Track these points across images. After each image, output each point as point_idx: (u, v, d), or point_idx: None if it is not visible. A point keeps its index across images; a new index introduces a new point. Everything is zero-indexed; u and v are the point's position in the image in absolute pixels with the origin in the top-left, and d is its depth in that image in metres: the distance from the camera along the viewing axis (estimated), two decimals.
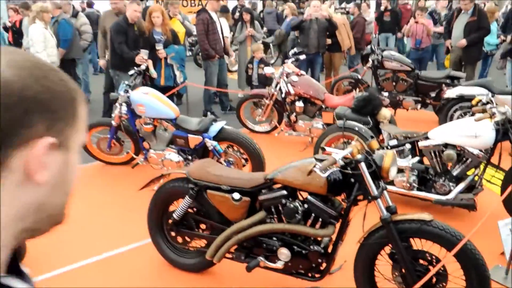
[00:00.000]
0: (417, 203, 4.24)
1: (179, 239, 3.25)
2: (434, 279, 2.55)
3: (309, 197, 2.69)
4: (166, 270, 3.33)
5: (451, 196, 3.87)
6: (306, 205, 2.71)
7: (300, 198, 2.81)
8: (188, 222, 3.21)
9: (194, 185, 3.08)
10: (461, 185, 3.89)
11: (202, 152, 4.56)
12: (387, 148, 4.24)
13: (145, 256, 3.47)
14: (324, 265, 2.75)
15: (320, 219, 2.69)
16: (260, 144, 4.52)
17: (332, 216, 2.64)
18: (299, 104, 5.87)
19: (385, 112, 4.86)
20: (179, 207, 3.14)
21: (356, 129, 4.44)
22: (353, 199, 2.61)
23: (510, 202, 3.83)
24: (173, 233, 3.24)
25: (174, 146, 4.71)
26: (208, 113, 7.16)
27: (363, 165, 2.52)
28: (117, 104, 4.77)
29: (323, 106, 5.80)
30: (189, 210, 3.19)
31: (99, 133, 5.24)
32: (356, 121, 4.61)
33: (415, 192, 4.03)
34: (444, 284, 2.52)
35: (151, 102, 4.63)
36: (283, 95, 5.98)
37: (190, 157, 4.61)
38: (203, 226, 3.19)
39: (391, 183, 4.22)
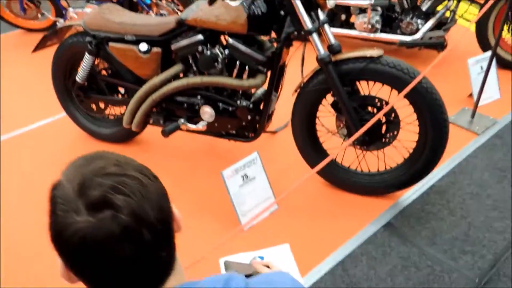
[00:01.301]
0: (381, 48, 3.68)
1: (93, 107, 2.72)
2: (384, 128, 2.13)
3: (230, 39, 2.10)
4: (88, 142, 2.88)
5: (418, 35, 3.30)
6: (227, 51, 2.14)
7: (224, 43, 2.22)
8: (98, 86, 2.65)
9: (93, 38, 2.44)
10: (431, 22, 3.30)
11: (128, 4, 3.80)
12: None
13: (64, 130, 2.99)
14: (257, 122, 2.29)
15: (247, 68, 2.14)
16: None
17: (260, 61, 2.09)
18: None
19: None
20: (80, 67, 2.55)
21: None
22: (284, 38, 2.03)
23: (483, 38, 3.30)
24: (82, 100, 2.70)
25: (95, 0, 3.91)
26: None
27: None
28: None
29: None
30: (96, 70, 2.61)
31: None
32: None
33: (378, 35, 3.44)
34: (395, 132, 2.10)
35: None
36: None
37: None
38: (120, 89, 2.64)
39: (352, 26, 3.60)
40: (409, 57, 3.60)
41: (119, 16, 2.41)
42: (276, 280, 0.72)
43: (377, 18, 3.43)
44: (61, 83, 2.79)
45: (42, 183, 2.54)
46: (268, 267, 1.31)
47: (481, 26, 3.27)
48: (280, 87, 2.33)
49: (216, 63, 2.15)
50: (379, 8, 3.39)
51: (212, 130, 2.39)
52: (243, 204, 2.12)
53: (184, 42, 2.22)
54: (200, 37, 2.17)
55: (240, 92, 2.25)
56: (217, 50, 2.15)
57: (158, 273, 0.64)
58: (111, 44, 2.38)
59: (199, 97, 2.31)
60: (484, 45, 3.30)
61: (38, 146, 2.90)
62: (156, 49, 2.28)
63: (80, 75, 2.56)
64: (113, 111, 2.76)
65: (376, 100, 2.07)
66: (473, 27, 3.38)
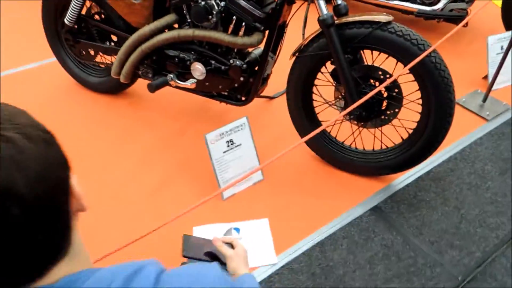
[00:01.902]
0: (397, 16, 3.43)
1: (83, 53, 2.57)
2: (384, 104, 1.96)
3: None
4: (75, 90, 2.74)
5: (439, 5, 3.05)
6: (224, 4, 1.95)
7: None
8: (89, 31, 2.49)
9: None
10: None
11: None
12: None
13: (53, 75, 2.85)
14: (250, 84, 2.13)
15: (244, 24, 1.96)
16: None
17: (257, 17, 1.90)
18: None
19: None
20: (69, 8, 2.37)
21: None
22: None
23: (509, 15, 3.04)
24: (71, 45, 2.54)
25: None
26: None
27: None
28: None
29: None
30: (87, 14, 2.44)
31: None
32: None
33: (394, 2, 3.19)
34: (396, 110, 1.93)
35: None
36: None
37: None
38: (112, 37, 2.47)
39: None
40: (426, 29, 3.36)
41: None
42: (197, 276, 0.60)
43: None
44: (51, 25, 2.62)
45: None
46: (231, 245, 1.20)
47: (508, 1, 3.01)
48: (278, 49, 2.14)
49: (210, 16, 1.97)
50: None
51: (202, 89, 2.23)
52: (225, 172, 2.00)
53: None
54: None
55: (235, 50, 2.08)
56: (212, 1, 1.96)
57: (34, 259, 0.51)
58: None
59: (191, 52, 2.15)
60: (509, 23, 3.04)
61: (23, 90, 2.78)
62: None
63: (69, 16, 2.39)
64: (104, 59, 2.60)
65: (380, 72, 1.89)
66: (499, 2, 3.12)
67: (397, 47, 1.76)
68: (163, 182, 2.08)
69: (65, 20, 2.41)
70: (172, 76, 2.21)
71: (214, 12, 1.95)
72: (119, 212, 1.93)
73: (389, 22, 1.76)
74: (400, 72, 1.77)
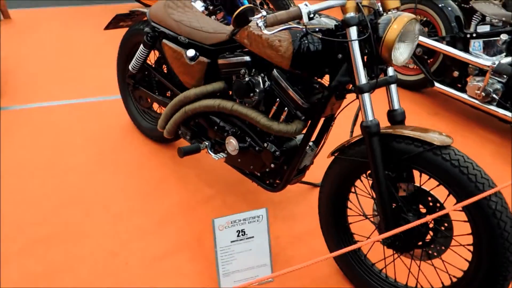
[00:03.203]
0: (489, 123, 3.00)
1: (140, 99, 2.59)
2: (429, 236, 1.60)
3: (275, 71, 1.76)
4: (128, 130, 2.78)
5: None
6: (268, 84, 1.80)
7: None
8: (149, 79, 2.51)
9: (152, 30, 2.29)
10: None
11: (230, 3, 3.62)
12: (472, 36, 2.89)
13: (115, 110, 2.94)
14: (283, 172, 1.92)
15: (286, 110, 1.78)
16: None
17: (299, 106, 1.71)
18: None
19: None
20: (135, 56, 2.42)
21: (436, 1, 3.07)
22: (334, 86, 1.63)
23: None
24: (131, 89, 2.59)
25: None
26: None
27: (352, 31, 1.48)
28: None
29: None
30: (150, 64, 2.47)
31: None
32: None
33: (491, 107, 2.78)
34: (442, 248, 1.57)
35: None
36: None
37: (214, 8, 3.70)
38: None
39: (462, 89, 2.97)
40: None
41: (181, 13, 2.22)
42: None
43: (498, 86, 2.76)
44: (122, 66, 2.71)
45: (62, 158, 2.50)
46: None
47: None
48: (322, 141, 1.92)
49: (252, 93, 1.83)
50: (503, 76, 2.72)
51: (234, 164, 2.08)
52: (229, 263, 1.79)
53: (229, 59, 1.94)
54: (247, 58, 1.87)
55: (273, 134, 1.89)
56: (259, 79, 1.82)
57: None
58: (164, 41, 2.20)
59: (231, 124, 2.02)
60: None
61: (85, 119, 2.89)
62: (202, 59, 2.04)
63: (133, 64, 2.44)
64: (160, 110, 2.60)
65: (429, 198, 1.56)
66: None
67: (450, 178, 1.43)
68: (165, 251, 1.94)
69: (129, 66, 2.47)
70: (206, 144, 2.09)
71: (257, 90, 1.81)
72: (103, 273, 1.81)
73: (446, 146, 1.45)
74: (453, 207, 1.43)
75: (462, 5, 3.13)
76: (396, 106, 1.64)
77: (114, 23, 2.57)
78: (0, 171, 2.39)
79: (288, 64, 1.64)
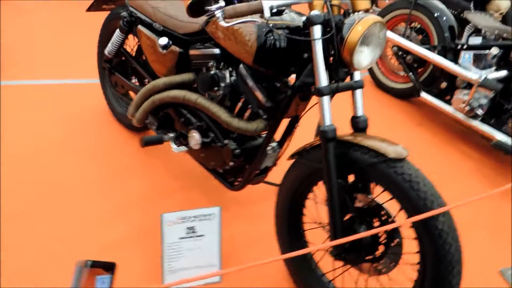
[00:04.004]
0: (470, 138, 2.93)
1: (117, 85, 2.54)
2: (379, 250, 1.55)
3: (242, 66, 1.70)
4: (104, 116, 2.73)
5: None
6: (234, 79, 1.75)
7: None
8: (125, 65, 2.46)
9: (129, 15, 2.24)
10: None
11: None
12: (461, 48, 2.81)
13: (94, 94, 2.89)
14: (245, 171, 1.87)
15: (250, 107, 1.73)
16: None
17: (261, 104, 1.66)
18: None
19: (501, 2, 3.23)
20: (111, 40, 2.37)
21: (431, 9, 2.99)
22: (297, 87, 1.57)
23: None
24: (107, 74, 2.54)
25: None
26: None
27: (316, 30, 1.42)
28: None
29: None
30: (126, 49, 2.41)
31: None
32: (457, 5, 3.08)
33: (473, 122, 2.70)
34: (391, 264, 1.51)
35: None
36: None
37: None
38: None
39: (449, 101, 2.89)
40: (501, 164, 2.77)
41: (160, 0, 2.16)
42: None
43: (483, 101, 2.68)
44: (102, 50, 2.65)
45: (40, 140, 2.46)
46: None
47: None
48: (286, 143, 1.87)
49: (217, 87, 1.77)
50: (489, 91, 2.65)
51: (196, 159, 2.03)
52: (175, 260, 1.74)
53: (200, 50, 1.88)
54: (216, 51, 1.81)
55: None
56: (225, 73, 1.76)
57: None
58: (139, 27, 2.15)
59: (196, 117, 1.96)
60: None
61: (63, 100, 2.85)
62: (175, 48, 1.98)
63: (109, 48, 2.39)
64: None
65: (382, 212, 1.50)
66: None
67: (400, 192, 1.37)
68: (114, 242, 1.90)
69: (105, 51, 2.41)
70: (169, 136, 2.04)
71: (222, 85, 1.75)
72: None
73: (400, 159, 1.39)
74: (403, 222, 1.37)
75: (462, 15, 3.05)
76: (360, 113, 1.58)
77: (96, 5, 2.52)
78: None
79: (251, 60, 1.58)
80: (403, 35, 3.13)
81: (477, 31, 2.83)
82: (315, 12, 1.42)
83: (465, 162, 2.77)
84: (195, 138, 1.93)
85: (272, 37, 1.54)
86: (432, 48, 2.97)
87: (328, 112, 1.47)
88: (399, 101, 3.34)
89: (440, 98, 2.96)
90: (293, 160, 1.67)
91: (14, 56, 3.30)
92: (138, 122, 2.23)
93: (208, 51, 1.84)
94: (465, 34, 2.84)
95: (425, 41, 3.14)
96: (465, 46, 2.79)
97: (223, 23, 1.38)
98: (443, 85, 2.92)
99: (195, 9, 1.38)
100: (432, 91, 3.01)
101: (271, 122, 1.70)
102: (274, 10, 1.41)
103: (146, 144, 1.99)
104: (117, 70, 2.46)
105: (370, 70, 3.49)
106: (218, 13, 1.36)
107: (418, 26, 3.19)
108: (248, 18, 1.45)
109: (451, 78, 2.89)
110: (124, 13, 2.24)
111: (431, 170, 2.51)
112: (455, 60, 2.84)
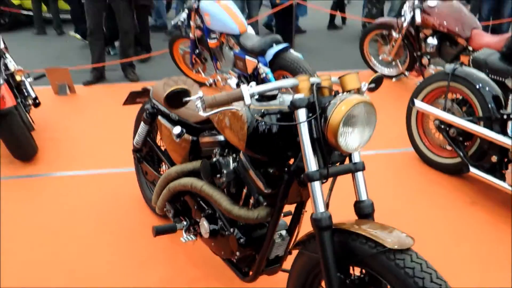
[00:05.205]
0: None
1: (146, 172, 2.62)
2: None
3: (242, 152, 1.67)
4: (136, 203, 2.79)
5: None
6: (235, 165, 1.71)
7: None
8: (152, 154, 2.54)
9: (151, 107, 2.35)
10: None
11: (260, 80, 3.67)
12: (509, 117, 2.58)
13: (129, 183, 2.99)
14: (256, 261, 1.75)
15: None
16: None
17: (261, 191, 1.59)
18: (432, 41, 4.22)
19: None
20: (137, 132, 2.48)
21: (471, 80, 2.82)
22: (294, 171, 1.49)
23: None
24: (136, 163, 2.64)
25: (236, 69, 3.94)
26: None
27: (300, 114, 1.37)
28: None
29: (468, 47, 4.03)
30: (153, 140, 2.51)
31: (185, 47, 4.80)
32: (500, 72, 2.92)
33: (494, 180, 2.40)
34: None
35: (216, 12, 3.89)
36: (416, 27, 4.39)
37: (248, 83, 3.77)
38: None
39: (500, 177, 2.59)
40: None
41: None
42: None
43: None
44: None
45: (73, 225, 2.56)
46: None
47: None
48: (296, 230, 1.74)
49: (219, 175, 1.74)
50: None
51: (209, 248, 1.96)
52: None
53: (207, 138, 1.90)
54: (220, 138, 1.81)
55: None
56: (229, 160, 1.74)
57: None
58: (159, 117, 2.24)
59: (207, 205, 1.93)
60: None
61: (101, 189, 2.97)
62: (187, 136, 2.02)
63: (136, 139, 2.50)
64: None
65: None
66: None
67: (402, 284, 1.18)
68: None
69: (134, 141, 2.53)
70: (182, 225, 2.01)
71: (225, 172, 1.72)
72: None
73: (403, 250, 1.22)
74: None
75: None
76: (364, 197, 1.45)
77: (130, 99, 2.69)
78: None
79: (243, 146, 1.54)
80: (444, 109, 2.96)
81: None
82: (298, 95, 1.38)
83: None
84: (204, 226, 1.87)
85: (263, 123, 1.50)
86: (476, 120, 2.75)
87: (321, 199, 1.36)
88: (449, 177, 3.07)
89: (493, 173, 2.67)
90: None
91: (59, 148, 3.57)
92: (159, 210, 2.24)
93: (213, 138, 1.85)
94: (510, 102, 2.60)
95: (470, 113, 2.94)
96: (511, 116, 2.55)
97: (201, 113, 1.38)
98: (494, 158, 2.65)
99: (172, 102, 1.40)
100: (483, 166, 2.74)
101: (273, 209, 1.61)
102: (256, 97, 1.40)
103: (158, 234, 1.97)
104: (145, 159, 2.55)
105: (415, 146, 3.29)
106: (198, 103, 1.37)
107: (460, 97, 3.00)
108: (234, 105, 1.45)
109: (503, 151, 2.62)
110: (147, 106, 2.36)
111: (487, 253, 2.21)
112: (502, 131, 2.59)
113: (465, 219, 2.65)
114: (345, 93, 1.38)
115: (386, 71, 5.11)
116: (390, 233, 1.26)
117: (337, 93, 1.43)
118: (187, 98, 1.38)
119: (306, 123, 1.36)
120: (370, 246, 1.26)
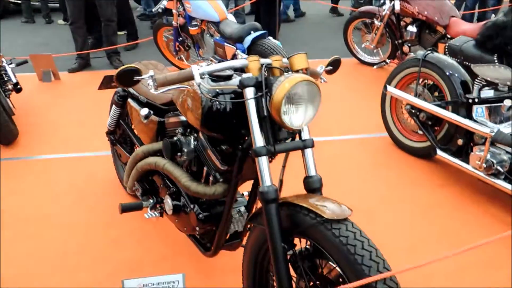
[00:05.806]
0: (500, 199, 2.64)
1: (120, 155, 2.67)
2: None
3: (201, 133, 1.73)
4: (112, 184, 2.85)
5: None
6: (195, 143, 1.77)
7: None
8: (123, 135, 2.59)
9: (122, 90, 2.40)
10: None
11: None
12: (474, 102, 2.64)
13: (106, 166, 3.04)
14: (216, 236, 1.81)
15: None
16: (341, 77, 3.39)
17: (217, 168, 1.65)
18: (411, 29, 4.27)
19: None
20: (110, 114, 2.53)
21: (441, 66, 2.87)
22: (246, 148, 1.55)
23: None
24: (110, 145, 2.69)
25: (216, 55, 3.98)
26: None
27: (248, 92, 1.42)
28: None
29: (447, 35, 4.08)
30: (125, 121, 2.56)
31: (169, 34, 4.83)
32: (473, 59, 2.97)
33: (497, 182, 2.44)
34: None
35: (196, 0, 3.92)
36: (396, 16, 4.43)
37: None
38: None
39: (466, 160, 2.67)
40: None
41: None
42: None
43: (504, 157, 2.44)
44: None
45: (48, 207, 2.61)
46: None
47: None
48: (253, 206, 1.80)
49: (180, 153, 1.79)
50: (504, 147, 2.41)
51: (174, 225, 2.02)
52: None
53: (171, 118, 1.95)
54: (182, 118, 1.87)
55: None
56: (189, 139, 1.79)
57: None
58: (129, 100, 2.29)
59: (172, 183, 1.99)
60: None
61: (76, 172, 3.02)
62: (154, 118, 2.07)
63: (109, 121, 2.55)
64: None
65: (333, 273, 1.37)
66: None
67: (338, 255, 1.25)
68: None
69: (107, 124, 2.58)
70: (148, 203, 2.07)
71: (185, 150, 1.77)
72: None
73: (340, 220, 1.28)
74: None
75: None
76: (312, 173, 1.50)
77: (104, 84, 2.72)
78: None
79: (199, 125, 1.60)
80: (415, 94, 3.01)
81: (490, 84, 2.65)
82: (247, 75, 1.43)
83: (495, 226, 2.47)
84: (168, 203, 1.93)
85: (217, 102, 1.55)
86: (445, 104, 2.81)
87: (267, 173, 1.42)
88: (421, 161, 3.14)
89: (459, 156, 2.74)
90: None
91: (40, 132, 3.61)
92: (129, 189, 2.30)
93: (177, 118, 1.90)
94: (475, 87, 2.66)
95: (441, 98, 3.00)
96: (476, 100, 2.61)
97: (153, 91, 1.43)
98: (460, 142, 2.72)
99: (123, 80, 1.44)
100: (450, 149, 2.81)
101: (230, 186, 1.67)
102: (206, 76, 1.45)
103: (124, 211, 2.03)
104: (119, 141, 2.60)
105: (389, 131, 3.35)
106: (150, 82, 1.42)
107: (431, 83, 3.06)
108: (185, 84, 1.50)
109: (468, 134, 2.69)
110: (118, 89, 2.41)
111: (455, 234, 2.27)
112: (468, 115, 2.66)
113: (434, 200, 2.73)
114: (292, 72, 1.44)
115: (368, 59, 5.16)
116: (331, 205, 1.32)
117: (286, 72, 1.48)
118: (138, 77, 1.43)
119: (253, 101, 1.41)
120: (311, 217, 1.32)
